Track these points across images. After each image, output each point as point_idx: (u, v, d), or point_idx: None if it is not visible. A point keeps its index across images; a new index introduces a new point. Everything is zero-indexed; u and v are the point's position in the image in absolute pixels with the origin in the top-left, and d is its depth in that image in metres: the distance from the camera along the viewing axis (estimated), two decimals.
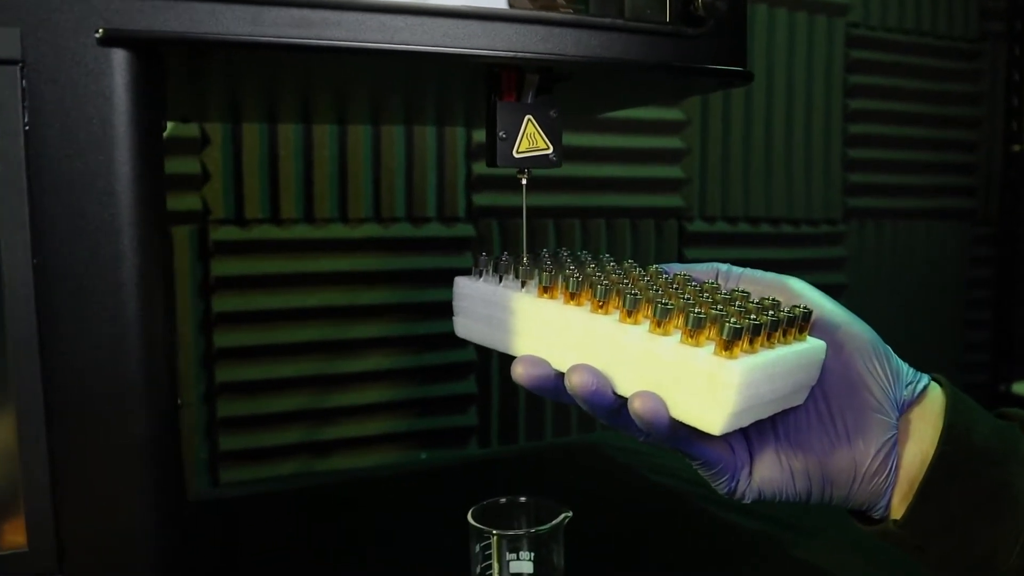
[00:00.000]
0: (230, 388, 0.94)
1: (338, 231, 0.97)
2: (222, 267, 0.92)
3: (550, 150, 0.43)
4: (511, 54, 0.38)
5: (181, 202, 0.91)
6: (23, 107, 0.32)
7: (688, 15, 0.42)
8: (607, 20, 0.41)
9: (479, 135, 1.02)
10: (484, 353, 1.05)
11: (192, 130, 0.90)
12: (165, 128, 0.51)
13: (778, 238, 1.29)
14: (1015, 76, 1.45)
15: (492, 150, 0.42)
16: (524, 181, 0.44)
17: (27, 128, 0.32)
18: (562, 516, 0.47)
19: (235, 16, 0.34)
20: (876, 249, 1.41)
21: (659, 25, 0.42)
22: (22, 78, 0.32)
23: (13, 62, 0.32)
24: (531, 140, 0.42)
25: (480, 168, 1.04)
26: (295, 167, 0.95)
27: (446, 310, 1.08)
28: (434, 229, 1.02)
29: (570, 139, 1.09)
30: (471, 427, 1.06)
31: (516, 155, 0.42)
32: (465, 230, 1.04)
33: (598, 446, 0.97)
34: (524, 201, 0.44)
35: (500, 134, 0.42)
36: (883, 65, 1.38)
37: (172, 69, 0.40)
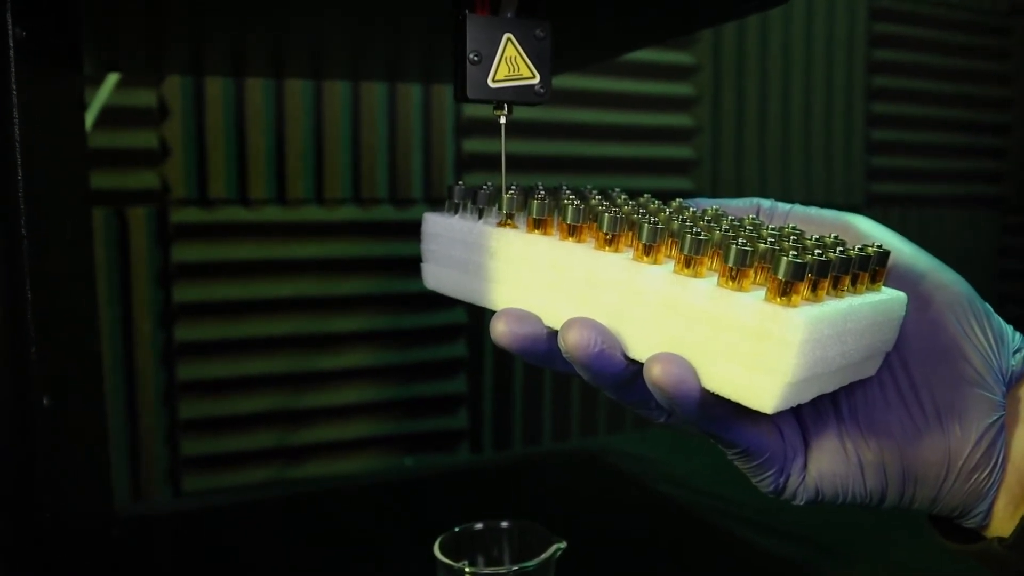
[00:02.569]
0: (193, 387, 0.85)
1: (313, 213, 0.89)
2: (183, 253, 0.84)
3: (536, 80, 0.34)
4: None
5: (137, 180, 0.82)
6: None
7: None
8: None
9: (470, 108, 0.93)
10: (476, 349, 0.96)
11: (148, 98, 0.81)
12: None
13: None
14: None
15: (462, 79, 0.33)
16: (503, 120, 0.35)
17: None
18: (553, 548, 0.37)
19: None
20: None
21: None
22: None
23: None
24: (511, 65, 0.33)
25: (471, 146, 0.95)
26: (265, 141, 0.86)
27: (432, 301, 0.98)
28: (419, 212, 0.93)
29: (570, 114, 1.00)
30: (461, 430, 0.97)
31: (492, 84, 0.33)
32: None
33: (601, 453, 0.88)
34: (503, 145, 0.35)
35: (471, 56, 0.32)
36: (909, 40, 1.30)
37: None
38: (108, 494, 0.51)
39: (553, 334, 0.30)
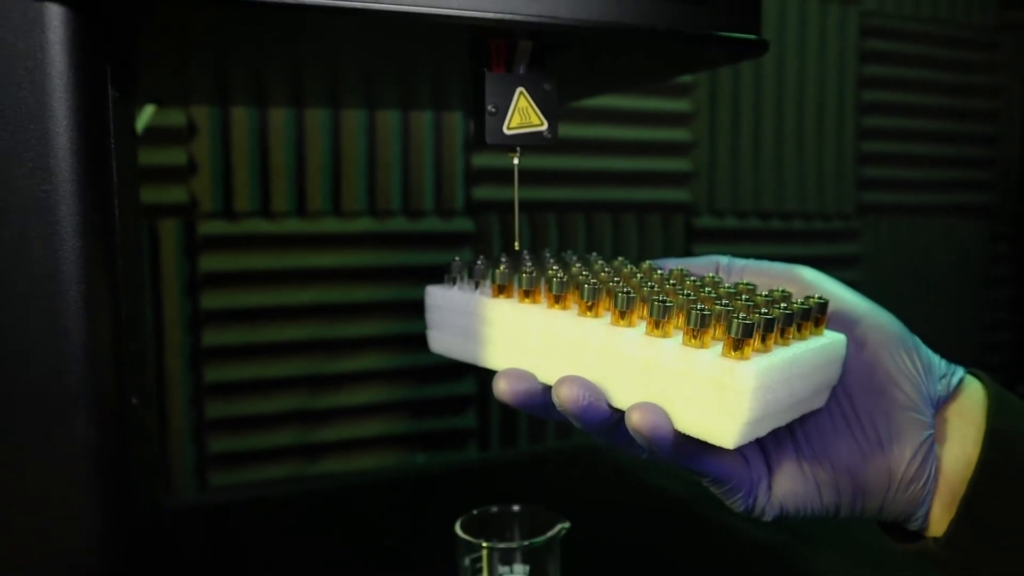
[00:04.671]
0: (219, 389, 0.90)
1: (331, 225, 0.94)
2: (210, 263, 0.89)
3: (544, 126, 0.39)
4: (497, 15, 0.34)
5: (167, 194, 0.87)
6: None
7: None
8: None
9: None
10: None
11: (178, 119, 0.86)
12: (140, 110, 0.48)
13: (789, 234, 1.25)
14: None
15: (480, 126, 0.38)
16: (516, 161, 0.40)
17: None
18: (558, 528, 0.43)
19: None
20: (891, 246, 1.36)
21: None
22: None
23: None
24: (523, 115, 0.39)
25: (480, 160, 1.00)
26: (286, 158, 0.91)
27: None
28: (431, 223, 0.99)
29: (573, 130, 1.05)
30: (470, 429, 1.03)
31: (507, 131, 0.38)
32: (463, 224, 1.00)
33: (603, 450, 0.93)
34: (516, 182, 0.40)
35: (489, 108, 0.38)
36: (898, 55, 1.34)
37: (140, 34, 0.37)
38: (165, 487, 0.57)
39: (547, 389, 0.35)
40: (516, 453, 1.04)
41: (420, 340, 1.00)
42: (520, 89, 0.38)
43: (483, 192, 1.01)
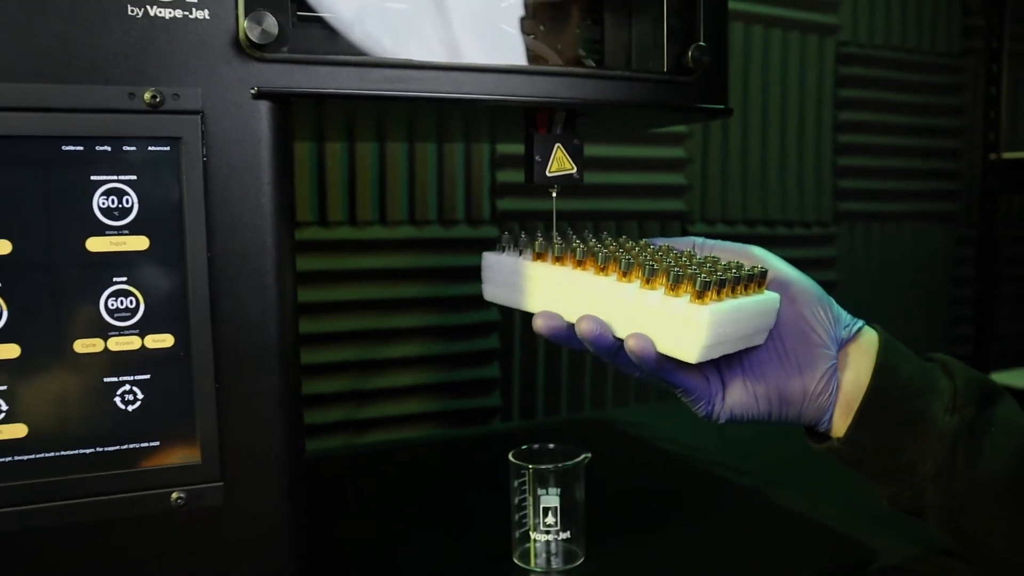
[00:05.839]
0: None
1: (378, 232, 1.09)
2: None
3: (574, 170, 0.56)
4: (546, 99, 0.51)
5: None
6: (202, 143, 0.45)
7: (681, 66, 0.54)
8: (617, 72, 0.53)
9: (502, 148, 1.15)
10: (507, 342, 1.17)
11: None
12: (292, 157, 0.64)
13: (773, 239, 1.40)
14: (992, 90, 1.56)
15: (530, 170, 0.55)
16: (554, 194, 0.56)
17: (205, 159, 0.45)
18: (583, 456, 0.59)
19: (347, 75, 0.47)
20: (865, 249, 1.51)
21: (658, 74, 0.54)
22: (202, 123, 0.44)
23: (196, 112, 0.44)
24: (560, 163, 0.55)
25: (503, 176, 1.16)
26: (341, 176, 1.07)
27: (473, 303, 1.21)
28: (462, 230, 1.15)
29: (588, 150, 1.20)
30: (495, 407, 1.18)
31: (548, 174, 0.55)
32: (489, 231, 1.16)
33: (608, 421, 1.09)
34: (555, 207, 0.57)
35: (536, 158, 0.54)
36: (871, 80, 1.47)
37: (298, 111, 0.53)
38: None
39: (570, 325, 0.50)
40: (534, 424, 1.19)
41: (453, 331, 1.16)
42: (557, 144, 0.55)
43: (506, 204, 1.16)
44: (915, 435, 0.50)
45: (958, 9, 1.56)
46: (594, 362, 1.24)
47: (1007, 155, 1.57)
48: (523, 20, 0.52)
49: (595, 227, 1.23)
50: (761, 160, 1.38)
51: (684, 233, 1.31)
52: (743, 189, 1.37)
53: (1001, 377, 1.60)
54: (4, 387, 0.42)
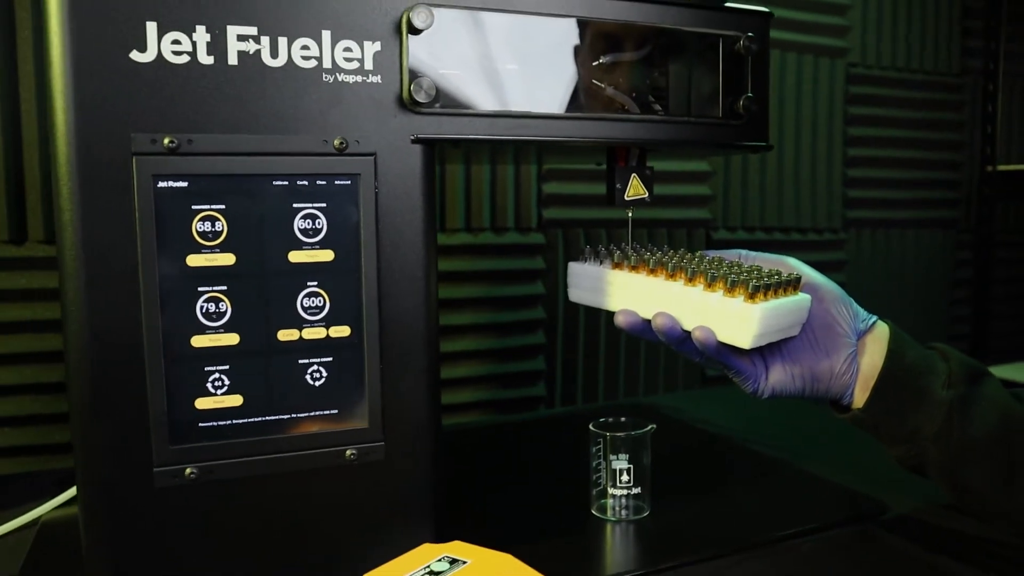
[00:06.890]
0: None
1: (439, 239, 1.22)
2: None
3: (646, 195, 0.69)
4: (628, 139, 0.64)
5: None
6: (375, 179, 0.58)
7: (733, 112, 0.67)
8: (682, 118, 0.66)
9: (549, 163, 1.27)
10: (551, 338, 1.30)
11: None
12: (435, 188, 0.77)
13: (788, 244, 1.53)
14: (989, 107, 1.69)
15: (611, 195, 0.68)
16: (630, 214, 0.69)
17: (376, 190, 0.58)
18: (649, 427, 0.72)
19: (481, 124, 0.60)
20: (872, 254, 1.63)
21: (714, 119, 0.67)
22: (375, 163, 0.58)
23: (371, 154, 0.57)
24: (635, 189, 0.68)
25: (549, 188, 1.28)
26: None
27: (522, 302, 1.34)
28: (512, 237, 1.27)
29: None
30: (540, 397, 1.31)
31: (626, 198, 0.68)
32: (537, 238, 1.29)
33: (643, 406, 1.22)
34: (630, 225, 0.70)
35: (617, 186, 0.67)
36: (878, 98, 1.60)
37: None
38: None
39: (646, 321, 0.63)
40: (574, 410, 1.31)
41: (504, 328, 1.29)
42: (633, 174, 0.68)
43: (551, 213, 1.29)
44: (918, 406, 0.63)
45: (958, 32, 1.69)
46: (627, 355, 1.36)
47: (1002, 167, 1.69)
48: (606, 75, 0.65)
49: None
50: (778, 172, 1.50)
51: (708, 239, 1.44)
52: (761, 199, 1.49)
53: (995, 371, 1.71)
54: (227, 366, 0.56)
